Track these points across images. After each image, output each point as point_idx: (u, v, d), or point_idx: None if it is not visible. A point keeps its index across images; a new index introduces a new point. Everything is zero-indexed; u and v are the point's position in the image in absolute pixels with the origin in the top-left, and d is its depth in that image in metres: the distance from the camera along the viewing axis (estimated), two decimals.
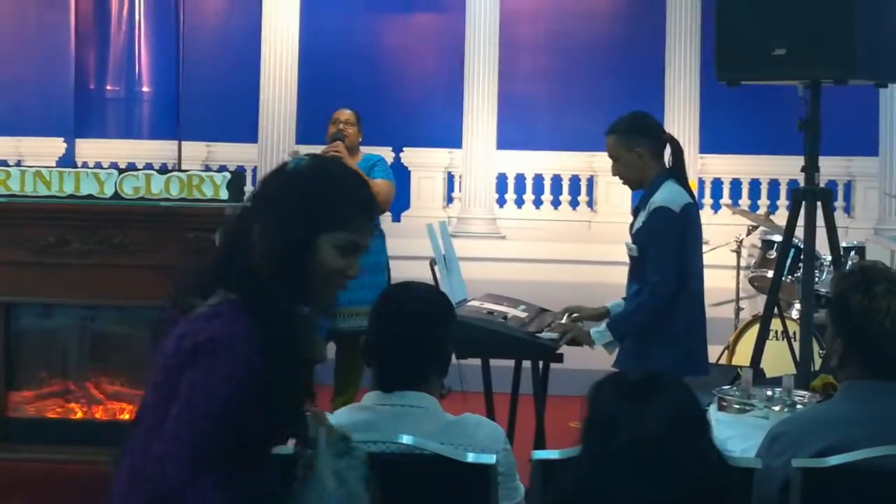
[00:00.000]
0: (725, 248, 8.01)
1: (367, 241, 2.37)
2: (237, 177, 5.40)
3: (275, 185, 2.37)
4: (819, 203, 4.95)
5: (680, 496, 1.99)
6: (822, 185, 4.97)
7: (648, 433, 2.02)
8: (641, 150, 4.47)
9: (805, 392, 3.71)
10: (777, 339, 6.60)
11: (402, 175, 10.63)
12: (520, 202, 10.87)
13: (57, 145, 10.62)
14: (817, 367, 5.09)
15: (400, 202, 10.59)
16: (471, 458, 2.80)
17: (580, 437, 2.13)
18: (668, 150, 4.59)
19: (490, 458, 2.81)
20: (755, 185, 10.63)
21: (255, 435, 2.25)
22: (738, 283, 7.95)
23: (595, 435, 2.09)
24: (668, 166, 4.57)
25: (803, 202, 4.95)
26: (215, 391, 2.17)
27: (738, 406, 3.61)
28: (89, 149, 10.78)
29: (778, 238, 7.04)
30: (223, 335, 2.20)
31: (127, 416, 5.37)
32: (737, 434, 3.34)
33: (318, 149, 6.48)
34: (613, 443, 2.03)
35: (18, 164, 9.19)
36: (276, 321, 2.25)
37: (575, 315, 4.72)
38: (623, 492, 1.99)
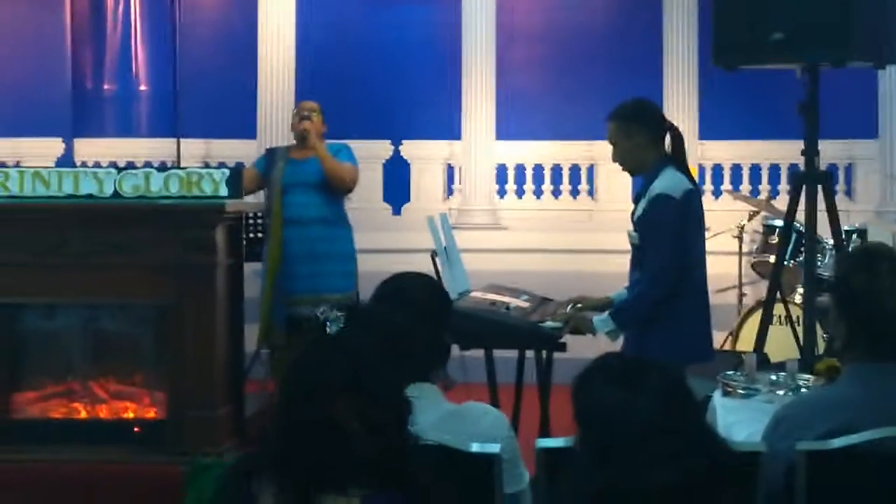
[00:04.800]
0: (727, 234, 8.00)
1: None
2: (236, 172, 5.37)
3: None
4: (820, 187, 4.95)
5: (681, 479, 1.98)
6: (822, 168, 4.96)
7: (642, 419, 2.02)
8: (641, 137, 4.44)
9: (809, 376, 3.71)
10: (781, 323, 6.58)
11: (401, 168, 10.63)
12: (520, 192, 10.86)
13: (55, 145, 10.62)
14: (821, 352, 5.08)
15: (400, 195, 10.59)
16: (475, 447, 2.79)
17: (576, 431, 2.13)
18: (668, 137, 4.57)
19: (494, 448, 2.79)
20: (756, 170, 10.63)
21: None
22: (740, 268, 7.94)
23: (590, 428, 2.09)
24: (668, 153, 4.54)
25: (804, 186, 4.95)
26: None
27: (742, 391, 3.61)
28: (88, 148, 10.78)
29: (779, 223, 7.02)
30: None
31: (131, 415, 5.38)
32: (741, 419, 3.34)
33: None
34: (610, 433, 2.03)
35: (17, 165, 9.20)
36: None
37: (579, 305, 4.70)
38: (627, 481, 1.99)
